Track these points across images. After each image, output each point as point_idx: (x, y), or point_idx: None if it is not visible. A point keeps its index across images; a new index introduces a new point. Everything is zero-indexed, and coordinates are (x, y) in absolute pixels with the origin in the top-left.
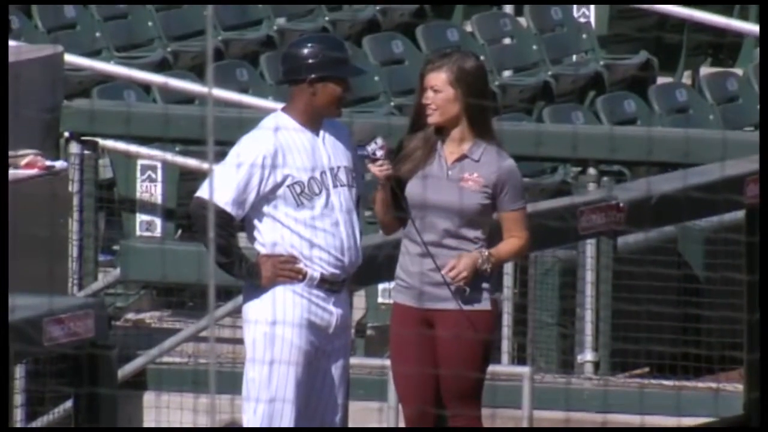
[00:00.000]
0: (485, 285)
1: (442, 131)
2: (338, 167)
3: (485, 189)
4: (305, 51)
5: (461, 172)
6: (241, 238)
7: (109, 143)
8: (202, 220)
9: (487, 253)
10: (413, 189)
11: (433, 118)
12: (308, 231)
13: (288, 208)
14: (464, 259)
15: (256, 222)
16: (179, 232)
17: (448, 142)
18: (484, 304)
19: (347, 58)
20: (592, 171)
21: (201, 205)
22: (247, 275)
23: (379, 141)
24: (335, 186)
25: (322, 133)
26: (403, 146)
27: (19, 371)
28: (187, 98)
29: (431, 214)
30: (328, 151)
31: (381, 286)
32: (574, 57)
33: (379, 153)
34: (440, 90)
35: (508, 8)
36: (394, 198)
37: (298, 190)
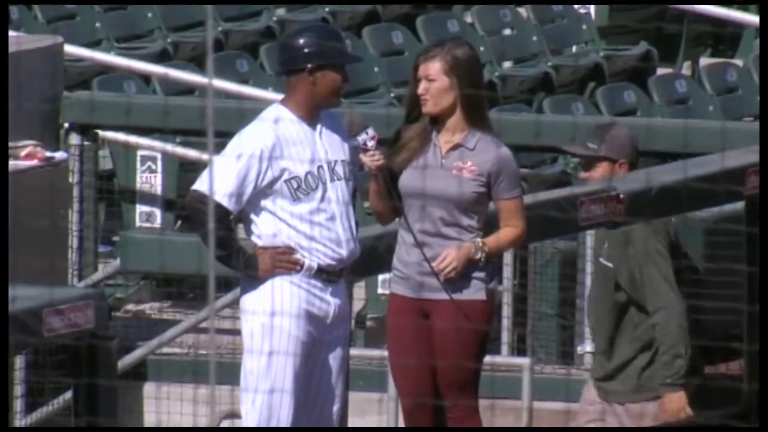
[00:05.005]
0: (480, 275)
1: (437, 121)
2: (335, 161)
3: (479, 177)
4: (303, 40)
5: (456, 160)
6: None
7: (109, 134)
8: (199, 213)
9: (481, 243)
10: (408, 178)
11: (428, 108)
12: (305, 225)
13: (285, 202)
14: (455, 250)
15: (252, 215)
16: (179, 222)
17: (443, 132)
18: (479, 294)
19: (345, 46)
20: None
21: (198, 199)
22: (245, 267)
23: (370, 131)
24: (332, 180)
25: (319, 126)
26: (400, 136)
27: (18, 362)
28: (187, 89)
29: (427, 203)
30: (326, 144)
31: (381, 277)
32: (574, 48)
33: (371, 143)
34: (435, 79)
35: None
36: (387, 188)
37: (295, 185)
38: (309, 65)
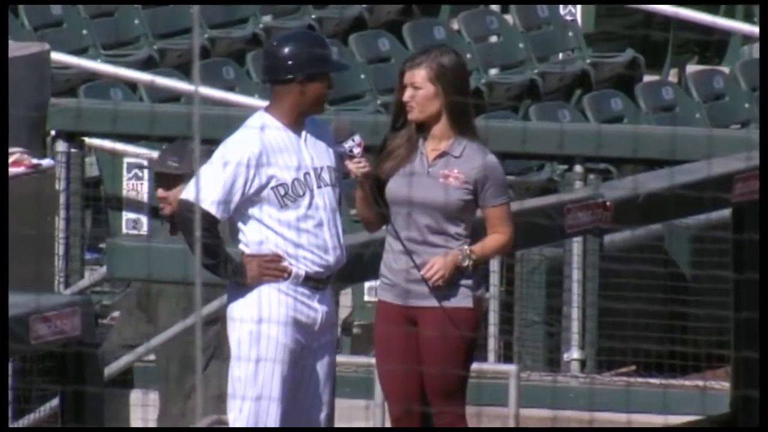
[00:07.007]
0: (468, 282)
1: (423, 128)
2: (321, 167)
3: (466, 185)
4: (289, 50)
5: (442, 168)
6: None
7: (96, 141)
8: (187, 222)
9: (468, 250)
10: (395, 186)
11: (414, 115)
12: (292, 232)
13: (272, 210)
14: (443, 258)
15: (240, 223)
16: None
17: (429, 139)
18: (467, 302)
19: (331, 54)
20: (578, 169)
21: (186, 207)
22: (233, 275)
23: (357, 138)
24: (319, 186)
25: (304, 133)
26: (387, 144)
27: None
28: (174, 96)
29: (413, 211)
30: (311, 151)
31: (367, 285)
32: (561, 55)
33: (357, 150)
34: (420, 87)
35: (495, 6)
36: (373, 195)
37: (282, 192)
38: (300, 76)
